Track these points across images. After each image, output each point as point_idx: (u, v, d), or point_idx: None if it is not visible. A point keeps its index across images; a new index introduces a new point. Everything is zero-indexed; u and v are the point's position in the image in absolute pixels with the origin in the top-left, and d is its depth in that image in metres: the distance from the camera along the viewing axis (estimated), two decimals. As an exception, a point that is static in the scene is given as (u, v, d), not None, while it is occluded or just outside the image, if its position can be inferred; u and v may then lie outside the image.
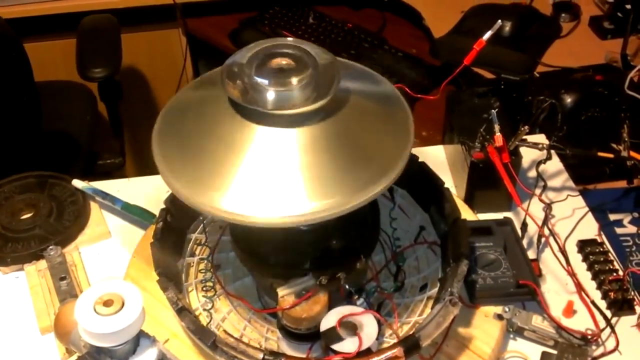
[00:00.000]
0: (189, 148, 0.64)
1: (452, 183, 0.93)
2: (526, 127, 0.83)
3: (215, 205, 0.60)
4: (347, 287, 0.69)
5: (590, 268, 0.81)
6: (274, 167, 0.61)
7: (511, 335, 0.74)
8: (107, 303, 0.55)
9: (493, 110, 0.82)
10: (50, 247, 0.82)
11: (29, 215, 0.88)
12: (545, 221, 0.83)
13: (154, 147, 0.66)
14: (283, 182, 0.60)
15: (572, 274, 0.79)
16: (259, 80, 0.62)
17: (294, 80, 0.62)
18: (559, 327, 0.72)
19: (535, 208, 0.84)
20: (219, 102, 0.65)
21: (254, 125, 0.62)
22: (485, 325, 0.73)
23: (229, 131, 0.63)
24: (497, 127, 0.82)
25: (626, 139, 0.87)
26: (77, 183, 0.90)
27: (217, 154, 0.62)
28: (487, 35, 0.84)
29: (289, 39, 0.67)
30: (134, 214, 0.88)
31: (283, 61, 0.64)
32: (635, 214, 0.92)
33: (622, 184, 0.96)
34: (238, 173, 0.61)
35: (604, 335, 0.73)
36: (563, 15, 1.40)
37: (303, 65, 0.63)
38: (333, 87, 0.62)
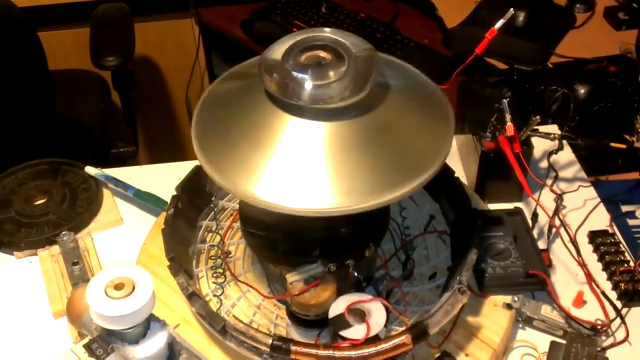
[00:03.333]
0: (227, 139, 0.65)
1: (463, 173, 0.93)
2: (538, 117, 0.82)
3: (246, 190, 0.61)
4: (356, 274, 0.69)
5: (601, 259, 0.81)
6: (308, 160, 0.61)
7: (520, 325, 0.74)
8: (119, 287, 0.56)
9: (505, 100, 0.82)
10: (64, 232, 0.83)
11: (42, 201, 0.89)
12: (557, 212, 0.83)
13: (194, 136, 0.66)
14: (317, 175, 0.61)
15: (583, 265, 0.79)
16: (298, 75, 0.62)
17: (332, 74, 0.62)
18: (568, 318, 0.72)
19: (546, 199, 0.84)
20: (256, 95, 0.65)
21: (292, 117, 0.63)
22: (494, 314, 0.73)
23: (266, 124, 0.63)
24: (508, 117, 0.82)
25: (639, 130, 0.87)
26: (90, 170, 0.91)
27: (254, 145, 0.63)
28: (500, 24, 0.84)
29: (327, 29, 0.67)
30: (146, 201, 0.89)
31: (321, 54, 0.64)
32: (648, 206, 0.92)
33: (635, 175, 0.95)
34: (271, 163, 0.62)
35: (614, 326, 0.73)
36: (578, 6, 1.38)
37: (341, 59, 0.63)
38: (370, 81, 0.63)
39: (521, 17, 1.31)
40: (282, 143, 0.62)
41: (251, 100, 0.66)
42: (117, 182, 0.90)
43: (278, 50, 0.65)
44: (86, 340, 0.60)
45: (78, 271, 0.79)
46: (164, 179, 0.93)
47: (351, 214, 0.60)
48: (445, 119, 0.67)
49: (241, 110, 0.67)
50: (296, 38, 0.66)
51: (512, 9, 0.84)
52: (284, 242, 0.70)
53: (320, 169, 0.61)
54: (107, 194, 0.91)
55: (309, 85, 0.61)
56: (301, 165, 0.61)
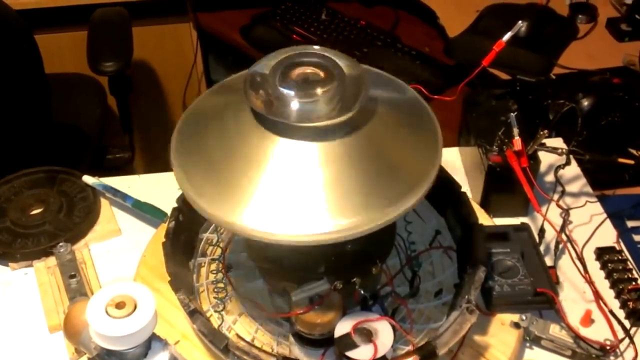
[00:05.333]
0: (209, 160, 0.63)
1: (468, 186, 0.91)
2: (545, 131, 0.81)
3: (235, 221, 0.59)
4: (361, 292, 0.67)
5: (608, 276, 0.80)
6: (297, 182, 0.59)
7: (528, 344, 0.73)
8: (120, 305, 0.55)
9: (512, 114, 0.81)
10: (60, 244, 0.81)
11: (38, 211, 0.87)
12: (563, 227, 0.81)
13: (173, 157, 0.64)
14: (306, 199, 0.59)
15: (590, 282, 0.78)
16: (284, 90, 0.60)
17: (320, 92, 0.60)
18: (577, 337, 0.70)
19: (552, 214, 0.82)
20: (241, 112, 0.63)
21: (277, 137, 0.61)
22: (501, 333, 0.71)
23: (251, 143, 0.61)
24: (516, 131, 0.80)
25: (646, 145, 0.86)
26: (87, 179, 0.89)
27: (238, 167, 0.61)
28: (507, 36, 0.83)
29: (315, 47, 0.65)
30: (145, 211, 0.87)
31: (308, 71, 0.62)
32: (654, 221, 0.91)
33: (641, 190, 0.94)
34: (260, 188, 0.60)
35: (622, 345, 0.72)
36: (580, 16, 1.38)
37: (329, 76, 0.61)
38: (360, 100, 0.61)
39: (523, 27, 1.31)
40: (267, 165, 0.60)
41: (235, 118, 0.64)
42: (115, 191, 0.88)
43: (264, 66, 0.63)
44: (84, 359, 0.59)
45: (75, 284, 0.77)
46: (162, 188, 0.91)
47: (345, 240, 0.58)
48: (432, 133, 0.66)
49: (224, 129, 0.64)
50: (284, 54, 0.64)
51: (520, 21, 0.83)
52: (288, 258, 0.68)
53: (308, 194, 0.59)
54: (104, 203, 0.89)
55: (294, 101, 0.60)
56: (288, 190, 0.59)
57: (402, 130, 0.65)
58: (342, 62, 0.63)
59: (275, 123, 0.60)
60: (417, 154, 0.64)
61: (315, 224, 0.58)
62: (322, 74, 0.62)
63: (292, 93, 0.60)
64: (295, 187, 0.59)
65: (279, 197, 0.59)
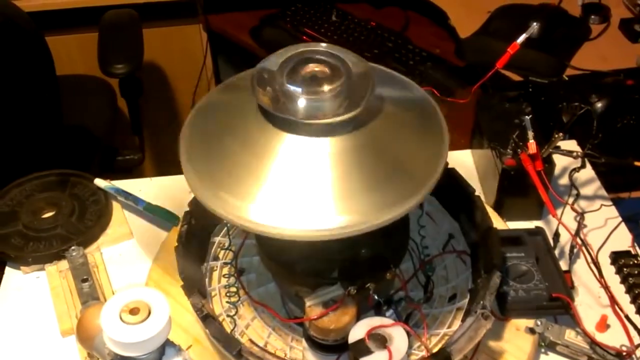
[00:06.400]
0: (217, 156, 0.63)
1: (480, 189, 0.91)
2: (560, 134, 0.80)
3: (242, 216, 0.59)
4: (375, 297, 0.67)
5: (624, 281, 0.79)
6: (303, 178, 0.59)
7: (543, 350, 0.72)
8: (134, 311, 0.54)
9: (527, 117, 0.80)
10: (73, 247, 0.81)
11: (50, 214, 0.87)
12: (578, 231, 0.80)
13: (182, 153, 0.64)
14: (312, 194, 0.59)
15: (606, 287, 0.77)
16: (291, 87, 0.60)
17: (327, 89, 0.60)
18: (592, 343, 0.70)
19: (566, 217, 0.82)
20: (248, 109, 0.63)
21: (284, 133, 0.61)
22: (516, 339, 0.71)
23: (258, 139, 0.61)
24: (530, 134, 0.80)
25: (662, 148, 0.85)
26: (99, 182, 0.89)
27: (245, 163, 0.61)
28: (522, 38, 0.82)
29: (322, 44, 0.65)
30: (157, 214, 0.86)
31: (316, 68, 0.62)
32: (670, 225, 0.90)
33: (656, 193, 0.93)
34: (266, 183, 0.60)
35: (638, 352, 0.70)
36: (592, 17, 1.37)
37: (336, 74, 0.61)
38: (366, 97, 0.61)
39: (535, 28, 1.30)
40: (274, 161, 0.60)
41: (243, 114, 0.64)
42: (127, 195, 0.88)
43: (272, 63, 0.63)
44: (98, 365, 0.58)
45: (87, 288, 0.77)
46: (174, 191, 0.91)
47: (354, 234, 0.58)
48: (438, 130, 0.66)
49: (232, 124, 0.64)
50: (292, 51, 0.64)
51: (535, 23, 0.82)
52: (301, 262, 0.68)
53: (314, 189, 0.59)
54: (116, 206, 0.89)
55: (301, 98, 0.60)
56: (294, 186, 0.59)
57: (408, 127, 0.66)
58: (349, 60, 0.63)
59: (282, 119, 0.60)
60: (423, 150, 0.64)
61: (321, 219, 0.58)
62: (329, 71, 0.62)
63: (299, 90, 0.60)
64: (301, 183, 0.60)
65: (285, 193, 0.59)
